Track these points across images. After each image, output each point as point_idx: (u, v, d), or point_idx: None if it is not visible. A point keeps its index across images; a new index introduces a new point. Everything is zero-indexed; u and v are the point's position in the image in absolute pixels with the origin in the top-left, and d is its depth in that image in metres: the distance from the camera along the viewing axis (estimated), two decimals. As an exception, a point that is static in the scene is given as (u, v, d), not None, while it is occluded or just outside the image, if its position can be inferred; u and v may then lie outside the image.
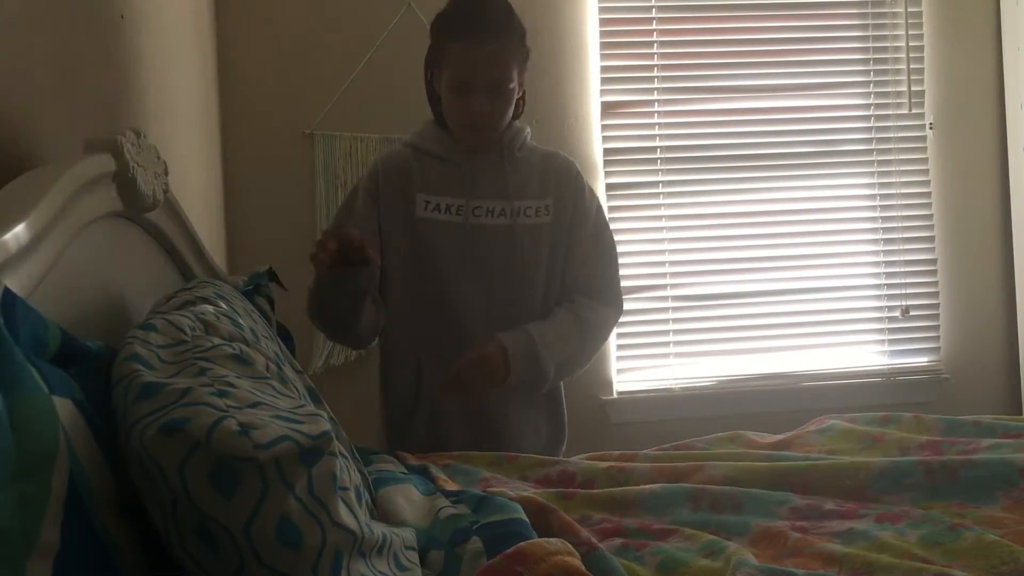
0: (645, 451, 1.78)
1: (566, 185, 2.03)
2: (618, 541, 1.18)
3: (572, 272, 2.03)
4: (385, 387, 2.07)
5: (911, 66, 3.26)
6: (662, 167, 3.20)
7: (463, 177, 1.98)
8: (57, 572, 0.72)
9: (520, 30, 1.93)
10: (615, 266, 2.09)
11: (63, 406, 0.82)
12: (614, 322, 2.08)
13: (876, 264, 3.29)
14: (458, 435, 1.99)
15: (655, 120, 3.21)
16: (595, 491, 1.35)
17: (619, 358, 3.17)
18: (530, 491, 1.37)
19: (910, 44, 3.25)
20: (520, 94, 1.97)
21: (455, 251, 1.96)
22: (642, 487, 1.35)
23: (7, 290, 0.81)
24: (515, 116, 2.01)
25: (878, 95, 3.29)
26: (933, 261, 3.30)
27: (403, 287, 1.98)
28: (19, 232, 0.95)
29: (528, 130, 2.06)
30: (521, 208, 1.98)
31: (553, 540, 1.07)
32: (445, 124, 2.00)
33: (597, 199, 2.12)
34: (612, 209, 3.15)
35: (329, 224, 2.17)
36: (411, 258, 1.97)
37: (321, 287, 1.83)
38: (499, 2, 1.92)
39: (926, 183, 3.30)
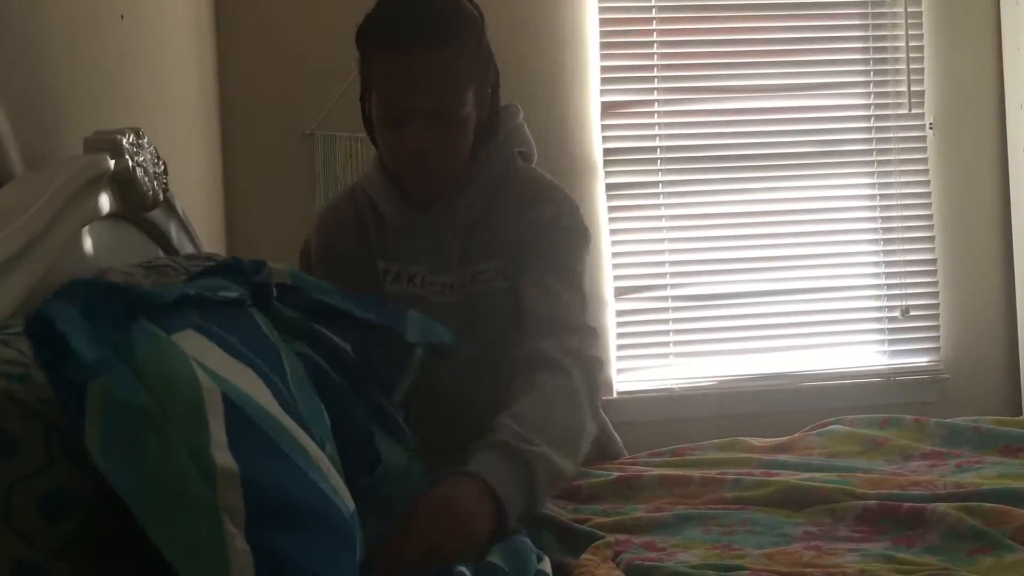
0: (645, 459, 1.77)
1: (522, 233, 1.48)
2: (626, 558, 1.17)
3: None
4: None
5: (911, 66, 3.25)
6: (662, 167, 3.20)
7: (409, 238, 1.51)
8: (248, 492, 0.72)
9: (472, 29, 1.41)
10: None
11: (186, 338, 0.82)
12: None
13: (876, 264, 3.28)
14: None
15: (655, 120, 3.21)
16: (603, 520, 1.34)
17: (619, 358, 3.16)
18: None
19: (910, 44, 3.25)
20: (486, 114, 1.48)
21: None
22: (652, 515, 1.34)
23: (75, 281, 0.81)
24: (480, 142, 1.48)
25: (878, 95, 3.29)
26: (933, 261, 3.30)
27: None
28: (19, 232, 0.95)
29: (506, 158, 1.53)
30: (479, 274, 1.49)
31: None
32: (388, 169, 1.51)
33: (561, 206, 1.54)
34: (612, 209, 3.15)
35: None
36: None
37: None
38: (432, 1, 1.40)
39: (926, 183, 3.29)
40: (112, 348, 0.75)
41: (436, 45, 1.35)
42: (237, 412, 0.78)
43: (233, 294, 1.00)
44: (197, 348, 0.82)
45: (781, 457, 1.70)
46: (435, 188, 1.46)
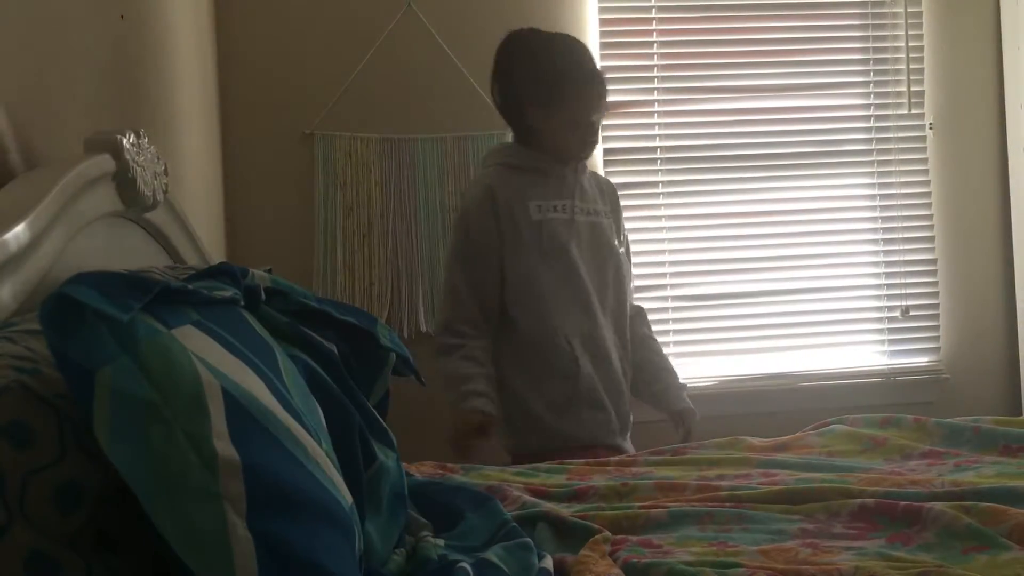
0: (646, 456, 1.77)
1: (612, 201, 2.51)
2: (623, 556, 1.18)
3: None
4: (539, 379, 2.27)
5: (911, 66, 3.25)
6: (662, 167, 3.20)
7: (560, 183, 2.36)
8: (249, 481, 0.74)
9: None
10: None
11: (186, 333, 0.84)
12: None
13: (876, 264, 3.28)
14: (612, 416, 2.29)
15: (655, 120, 3.21)
16: (600, 515, 1.34)
17: (619, 358, 3.16)
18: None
19: (910, 44, 3.25)
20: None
21: (571, 242, 2.31)
22: (648, 512, 1.34)
23: (82, 274, 0.83)
24: None
25: (878, 95, 3.28)
26: (933, 261, 3.30)
27: (534, 284, 2.28)
28: (19, 232, 0.95)
29: None
30: (598, 209, 2.41)
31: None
32: (528, 143, 2.38)
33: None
34: (612, 209, 3.15)
35: (463, 273, 2.35)
36: (538, 253, 2.28)
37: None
38: (586, 47, 2.46)
39: (926, 183, 3.29)
40: (118, 341, 0.76)
41: (602, 81, 2.39)
42: (236, 405, 0.79)
43: (228, 293, 1.01)
44: (196, 343, 0.83)
45: (780, 456, 1.71)
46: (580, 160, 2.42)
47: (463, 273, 2.31)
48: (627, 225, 3.17)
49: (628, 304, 2.45)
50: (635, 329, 2.47)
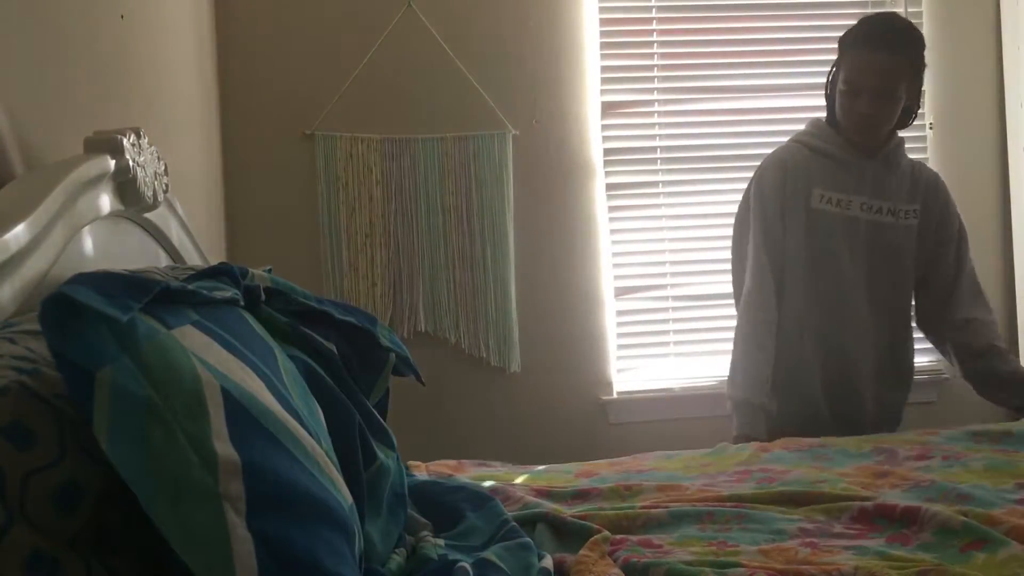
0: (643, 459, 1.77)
1: (933, 193, 2.33)
2: (622, 556, 1.18)
3: (961, 289, 2.33)
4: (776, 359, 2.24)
5: (911, 66, 3.25)
6: (662, 167, 3.20)
7: (853, 175, 2.25)
8: (249, 481, 0.74)
9: (914, 46, 2.17)
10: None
11: (185, 333, 0.84)
12: None
13: (876, 264, 3.28)
14: (823, 409, 2.24)
15: (655, 120, 3.21)
16: (600, 515, 1.34)
17: (619, 358, 3.17)
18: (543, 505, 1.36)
19: (910, 44, 3.25)
20: (913, 105, 2.23)
21: (844, 240, 2.23)
22: (648, 512, 1.34)
23: (81, 274, 0.83)
24: (902, 126, 2.27)
25: (878, 95, 3.28)
26: (933, 261, 3.29)
27: (793, 268, 2.24)
28: (19, 232, 0.95)
29: (903, 141, 2.30)
30: (898, 209, 2.27)
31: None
32: (834, 124, 2.28)
33: (957, 210, 2.38)
34: (612, 209, 3.15)
35: (743, 228, 2.36)
36: (805, 244, 2.23)
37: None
38: (901, 22, 2.21)
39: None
40: (118, 341, 0.76)
41: (888, 49, 2.13)
42: (236, 406, 0.79)
43: (227, 293, 1.01)
44: (196, 343, 0.83)
45: (778, 450, 1.71)
46: (866, 142, 2.23)
47: (764, 248, 2.26)
48: (627, 225, 3.19)
49: (906, 310, 2.33)
50: (973, 339, 2.30)
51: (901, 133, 2.32)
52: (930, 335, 2.39)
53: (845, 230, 2.23)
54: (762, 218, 2.28)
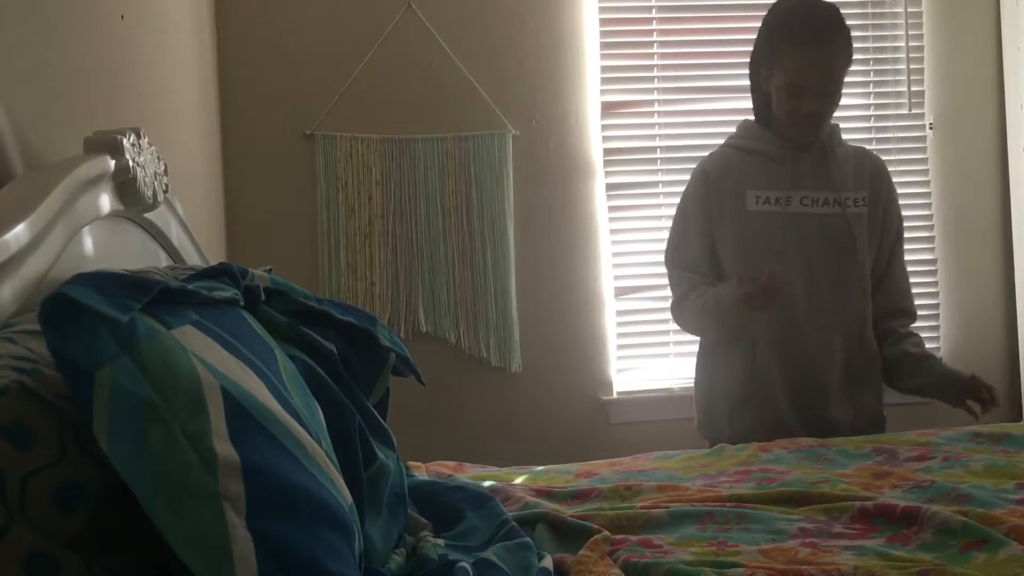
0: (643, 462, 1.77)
1: (879, 181, 2.19)
2: (622, 556, 1.18)
3: (890, 285, 2.19)
4: (711, 373, 2.19)
5: (911, 66, 3.25)
6: (662, 167, 3.20)
7: (789, 171, 2.11)
8: (249, 481, 0.74)
9: (847, 34, 2.05)
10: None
11: (185, 333, 0.84)
12: None
13: (876, 264, 3.28)
14: (789, 416, 2.09)
15: (655, 120, 3.21)
16: (600, 515, 1.34)
17: (619, 358, 3.16)
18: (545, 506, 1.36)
19: (910, 44, 3.25)
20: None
21: (790, 238, 2.08)
22: (648, 512, 1.34)
23: (81, 274, 0.83)
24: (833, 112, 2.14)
25: (878, 95, 3.29)
26: (933, 261, 3.30)
27: (736, 276, 2.07)
28: (19, 232, 0.95)
29: (839, 126, 2.19)
30: (845, 198, 2.12)
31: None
32: (765, 121, 2.16)
33: (897, 194, 2.26)
34: (612, 209, 3.15)
35: (669, 243, 2.26)
36: (743, 249, 2.10)
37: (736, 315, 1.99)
38: (831, 9, 2.05)
39: (926, 183, 3.30)
40: (118, 341, 0.76)
41: (829, 43, 1.99)
42: (236, 406, 0.79)
43: (228, 294, 1.01)
44: (196, 343, 0.83)
45: (778, 451, 1.71)
46: (808, 140, 2.11)
47: (675, 252, 2.21)
48: (627, 225, 3.19)
49: (864, 304, 2.15)
50: (887, 326, 2.19)
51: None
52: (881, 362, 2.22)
53: (789, 228, 2.07)
54: (678, 230, 2.20)
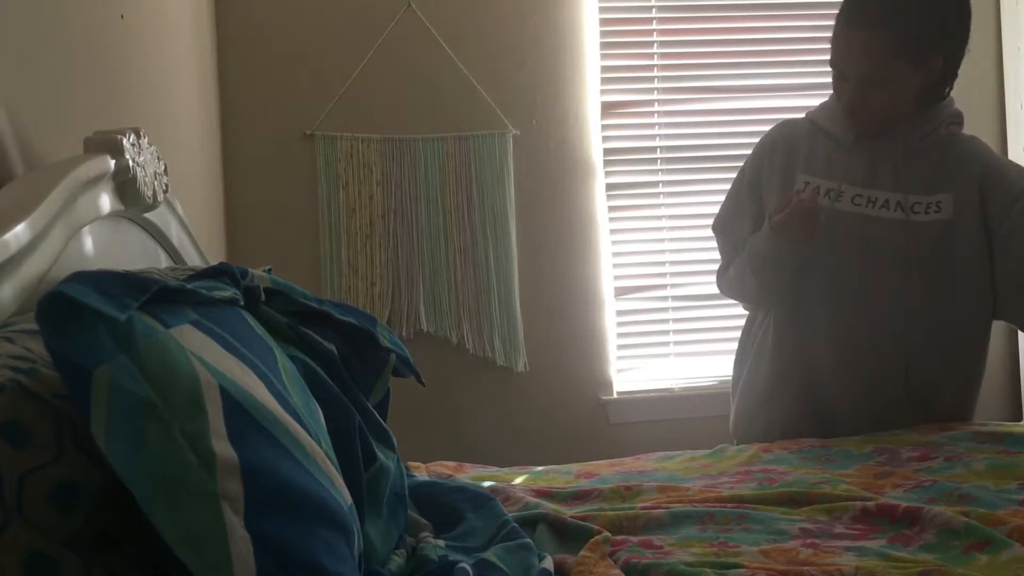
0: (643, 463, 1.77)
1: (965, 172, 1.82)
2: (623, 557, 1.18)
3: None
4: (747, 368, 2.01)
5: (911, 66, 3.25)
6: (662, 167, 3.20)
7: (847, 162, 1.85)
8: (247, 481, 0.74)
9: (909, 17, 1.73)
10: None
11: (184, 333, 0.84)
12: None
13: (876, 264, 3.27)
14: (801, 424, 1.88)
15: (655, 120, 3.21)
16: (601, 515, 1.34)
17: (619, 358, 3.16)
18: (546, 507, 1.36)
19: (910, 44, 3.25)
20: (940, 78, 1.80)
21: (828, 239, 1.81)
22: (649, 512, 1.34)
23: (79, 273, 0.83)
24: (930, 102, 1.83)
25: (878, 95, 3.28)
26: (933, 261, 3.29)
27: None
28: (19, 232, 0.95)
29: (947, 117, 1.84)
30: (913, 203, 1.80)
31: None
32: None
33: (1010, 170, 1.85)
34: (612, 209, 3.15)
35: (721, 209, 2.08)
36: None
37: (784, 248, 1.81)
38: None
39: None
40: (116, 340, 0.76)
41: (872, 27, 1.72)
42: (235, 405, 0.79)
43: (227, 293, 1.01)
44: (195, 343, 0.83)
45: (779, 451, 1.71)
46: (864, 129, 1.84)
47: (722, 222, 2.05)
48: (627, 225, 3.19)
49: (921, 326, 1.82)
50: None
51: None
52: None
53: (832, 227, 1.81)
54: (731, 198, 2.03)
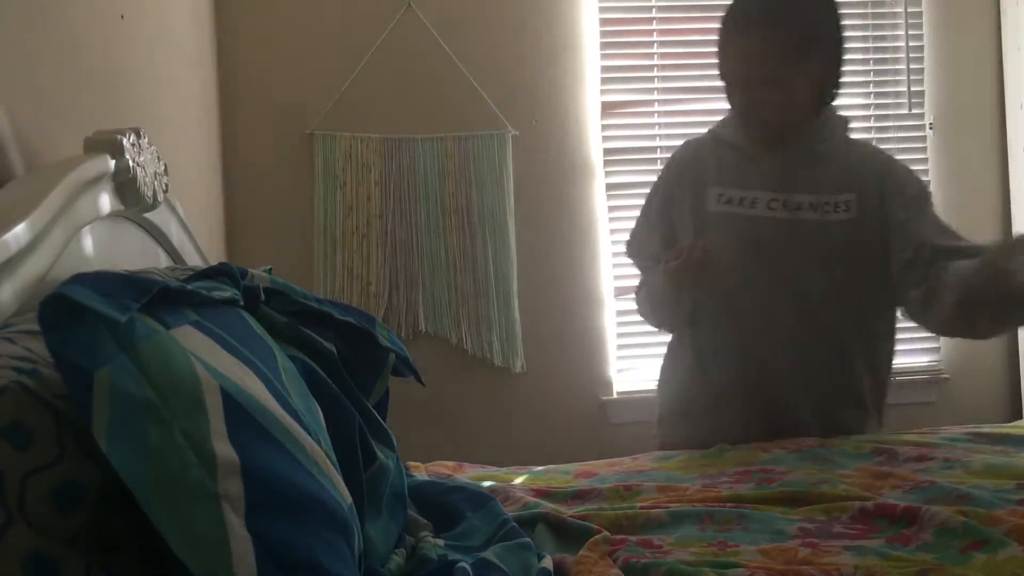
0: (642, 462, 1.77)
1: (880, 177, 1.88)
2: (622, 556, 1.18)
3: (906, 236, 1.85)
4: (668, 376, 2.09)
5: (911, 66, 3.25)
6: (662, 167, 3.19)
7: (759, 170, 1.89)
8: (248, 481, 0.74)
9: (791, 18, 1.80)
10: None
11: (184, 333, 0.84)
12: None
13: (876, 264, 3.28)
14: (738, 429, 1.86)
15: (655, 120, 3.21)
16: (600, 515, 1.35)
17: (619, 358, 3.16)
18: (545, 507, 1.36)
19: (910, 44, 3.25)
20: (828, 80, 1.87)
21: (752, 244, 1.85)
22: (648, 512, 1.35)
23: (80, 274, 0.83)
24: (820, 105, 1.89)
25: (878, 95, 3.29)
26: (933, 261, 3.29)
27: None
28: (19, 232, 0.95)
29: (844, 121, 1.95)
30: (824, 202, 1.84)
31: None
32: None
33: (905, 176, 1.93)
34: (612, 209, 3.15)
35: (632, 232, 2.12)
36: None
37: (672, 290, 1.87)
38: None
39: (926, 183, 3.30)
40: (116, 341, 0.76)
41: (758, 31, 1.78)
42: (235, 406, 0.79)
43: (227, 294, 1.01)
44: (195, 344, 0.83)
45: (777, 450, 1.71)
46: (766, 135, 1.88)
47: (633, 242, 2.09)
48: (627, 225, 3.17)
49: (843, 320, 1.88)
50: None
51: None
52: (924, 315, 1.87)
53: (752, 233, 1.85)
54: (641, 219, 2.07)
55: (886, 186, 1.87)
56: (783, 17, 1.79)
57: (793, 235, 1.84)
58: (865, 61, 3.28)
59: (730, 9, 1.84)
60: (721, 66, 1.85)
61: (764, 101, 1.81)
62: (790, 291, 1.85)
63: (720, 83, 1.89)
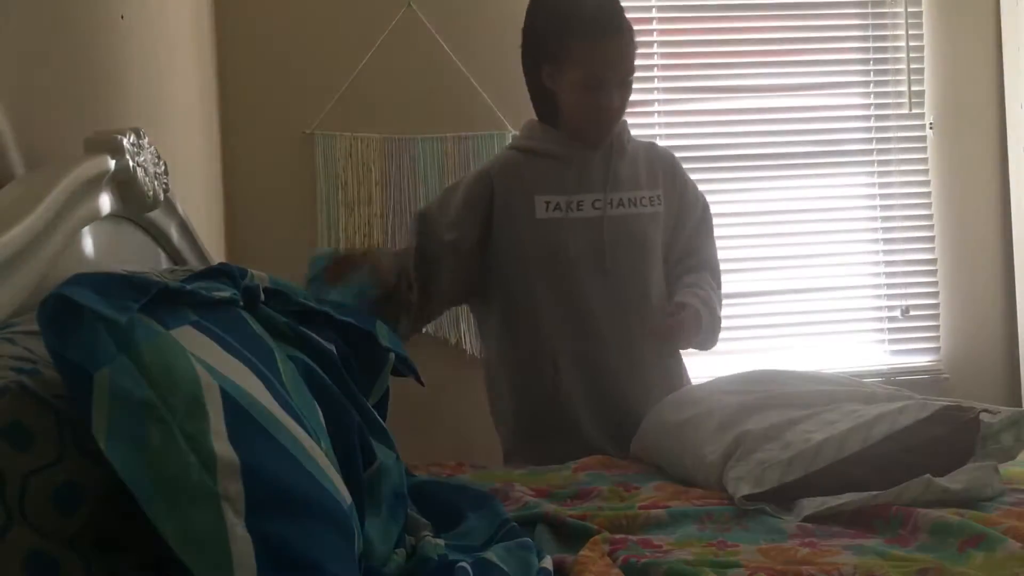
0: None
1: (671, 174, 2.08)
2: (622, 556, 1.18)
3: (683, 246, 2.07)
4: (513, 392, 2.03)
5: (911, 66, 3.25)
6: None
7: (578, 173, 1.99)
8: (247, 481, 0.75)
9: (630, 23, 1.96)
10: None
11: (184, 334, 0.84)
12: None
13: (876, 264, 3.28)
14: (595, 435, 1.94)
15: (655, 120, 3.21)
16: (600, 515, 1.35)
17: (619, 358, 3.16)
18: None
19: (910, 44, 3.25)
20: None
21: (582, 246, 1.95)
22: (648, 511, 1.35)
23: (80, 275, 0.83)
24: None
25: (878, 95, 3.29)
26: (933, 261, 3.30)
27: (529, 290, 1.97)
28: (19, 232, 0.95)
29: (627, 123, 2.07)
30: (639, 198, 2.00)
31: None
32: (551, 122, 2.03)
33: (692, 181, 2.14)
34: (612, 209, 3.15)
35: (432, 206, 2.12)
36: (535, 260, 1.96)
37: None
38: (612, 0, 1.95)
39: (926, 183, 3.30)
40: (116, 342, 0.76)
41: (620, 32, 1.91)
42: (235, 406, 0.80)
43: (226, 294, 1.01)
44: (195, 344, 0.83)
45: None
46: (607, 137, 1.99)
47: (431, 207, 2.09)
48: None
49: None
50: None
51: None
52: None
53: (582, 235, 1.94)
54: (445, 198, 2.07)
55: (683, 186, 2.09)
56: (624, 19, 1.93)
57: (620, 233, 1.96)
58: (865, 61, 3.28)
59: (570, 15, 1.92)
60: (588, 71, 1.89)
61: (620, 101, 1.94)
62: (630, 286, 1.97)
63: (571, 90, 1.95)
